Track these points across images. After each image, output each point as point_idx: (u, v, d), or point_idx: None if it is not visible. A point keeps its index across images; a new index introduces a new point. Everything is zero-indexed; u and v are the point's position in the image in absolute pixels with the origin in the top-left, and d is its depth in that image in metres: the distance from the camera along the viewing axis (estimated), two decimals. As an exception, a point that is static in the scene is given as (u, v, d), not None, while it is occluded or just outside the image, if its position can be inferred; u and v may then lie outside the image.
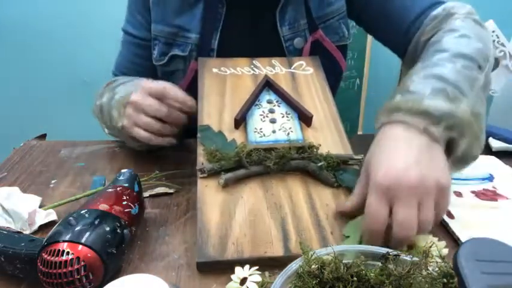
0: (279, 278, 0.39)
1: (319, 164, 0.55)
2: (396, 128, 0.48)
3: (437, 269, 0.39)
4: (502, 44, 1.58)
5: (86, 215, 0.45)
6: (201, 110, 0.64)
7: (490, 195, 0.62)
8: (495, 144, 0.76)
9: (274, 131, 0.61)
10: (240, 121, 0.62)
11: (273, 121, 0.63)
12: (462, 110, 0.48)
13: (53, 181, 0.67)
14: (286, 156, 0.55)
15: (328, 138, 0.61)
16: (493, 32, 1.56)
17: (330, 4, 0.76)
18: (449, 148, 0.49)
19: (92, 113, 0.75)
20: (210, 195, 0.54)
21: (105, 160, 0.74)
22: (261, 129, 0.61)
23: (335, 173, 0.56)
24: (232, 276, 0.44)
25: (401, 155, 0.46)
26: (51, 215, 0.56)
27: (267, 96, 0.67)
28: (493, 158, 0.74)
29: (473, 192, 0.63)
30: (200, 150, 0.59)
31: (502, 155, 0.74)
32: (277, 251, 0.48)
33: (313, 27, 0.77)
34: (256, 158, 0.55)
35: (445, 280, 0.38)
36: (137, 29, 0.80)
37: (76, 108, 1.90)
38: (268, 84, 0.67)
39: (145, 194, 0.61)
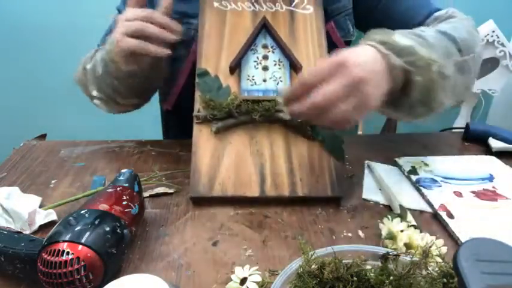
0: (279, 278, 0.39)
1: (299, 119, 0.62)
2: (365, 47, 0.53)
3: (437, 269, 0.39)
4: (502, 44, 1.58)
5: (86, 215, 0.45)
6: (200, 52, 0.67)
7: (490, 195, 0.62)
8: (495, 144, 0.76)
9: (265, 80, 0.66)
10: (235, 68, 0.66)
11: (265, 68, 0.67)
12: (425, 52, 0.52)
13: (53, 181, 0.67)
14: (271, 110, 0.62)
15: None
16: (493, 32, 1.56)
17: (337, 0, 0.77)
18: (407, 88, 0.54)
19: (76, 81, 0.76)
20: (203, 140, 0.62)
21: (105, 160, 0.74)
22: (253, 76, 0.66)
23: (312, 126, 0.62)
24: (232, 276, 0.44)
25: (357, 52, 0.51)
26: (51, 215, 0.56)
27: (263, 40, 0.69)
28: (493, 158, 0.74)
29: (473, 192, 0.63)
30: (197, 95, 0.64)
31: (502, 155, 0.74)
32: (254, 192, 0.58)
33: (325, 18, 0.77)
34: (245, 110, 0.62)
35: (445, 280, 0.38)
36: None
37: (76, 108, 1.90)
38: (265, 27, 0.69)
39: (145, 194, 0.61)
